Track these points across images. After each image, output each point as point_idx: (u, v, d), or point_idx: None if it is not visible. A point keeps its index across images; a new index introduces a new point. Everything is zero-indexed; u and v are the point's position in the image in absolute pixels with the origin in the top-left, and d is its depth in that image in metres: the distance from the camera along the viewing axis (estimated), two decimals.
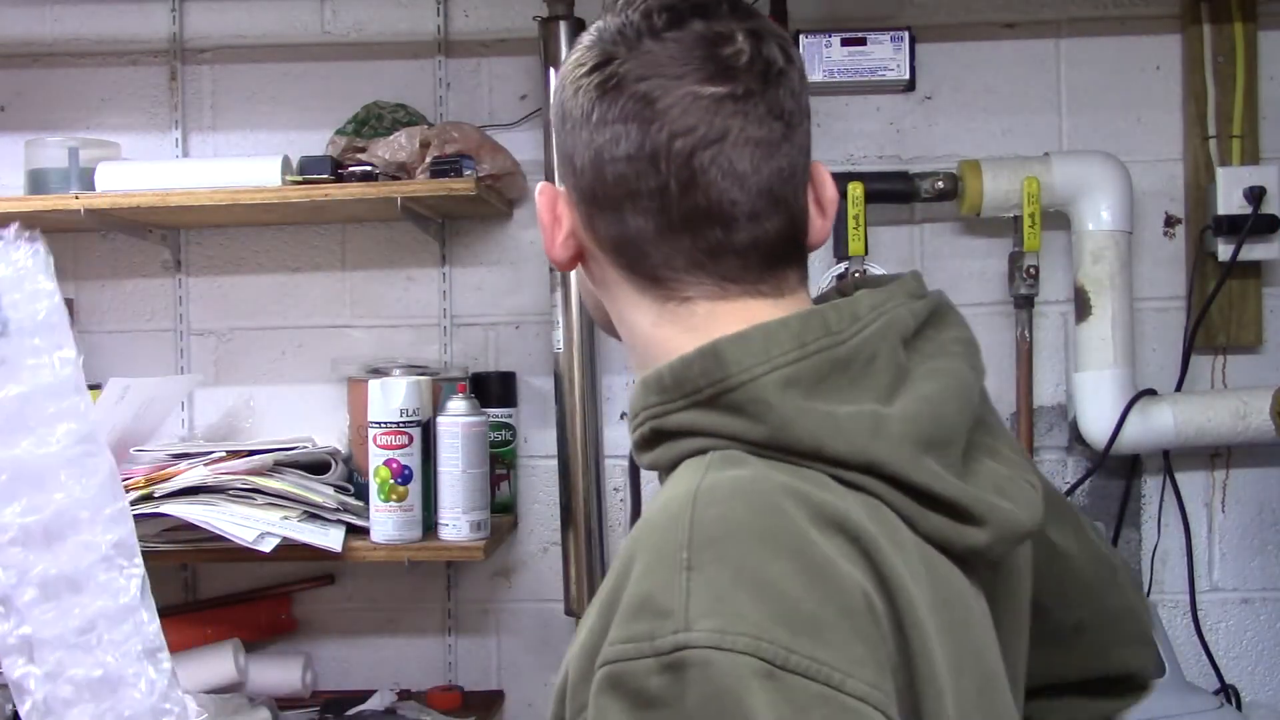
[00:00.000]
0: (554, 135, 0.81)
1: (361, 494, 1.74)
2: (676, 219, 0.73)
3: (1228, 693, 1.88)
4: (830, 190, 0.78)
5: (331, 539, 1.66)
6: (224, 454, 1.70)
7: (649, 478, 0.86)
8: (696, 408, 0.69)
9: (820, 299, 0.78)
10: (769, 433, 0.66)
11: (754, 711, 0.56)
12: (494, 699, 1.96)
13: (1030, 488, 0.74)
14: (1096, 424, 1.84)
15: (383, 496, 1.68)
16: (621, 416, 1.97)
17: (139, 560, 0.73)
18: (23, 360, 0.71)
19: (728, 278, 0.74)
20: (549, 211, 0.79)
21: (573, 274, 1.82)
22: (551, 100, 0.81)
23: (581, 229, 0.78)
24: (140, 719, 0.78)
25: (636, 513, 0.98)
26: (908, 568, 0.65)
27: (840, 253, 1.85)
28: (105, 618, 0.78)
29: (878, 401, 0.69)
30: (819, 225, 0.78)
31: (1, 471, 0.72)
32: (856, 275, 1.81)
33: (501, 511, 1.89)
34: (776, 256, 0.75)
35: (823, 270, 1.88)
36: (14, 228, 0.68)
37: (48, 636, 0.76)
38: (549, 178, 1.83)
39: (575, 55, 0.77)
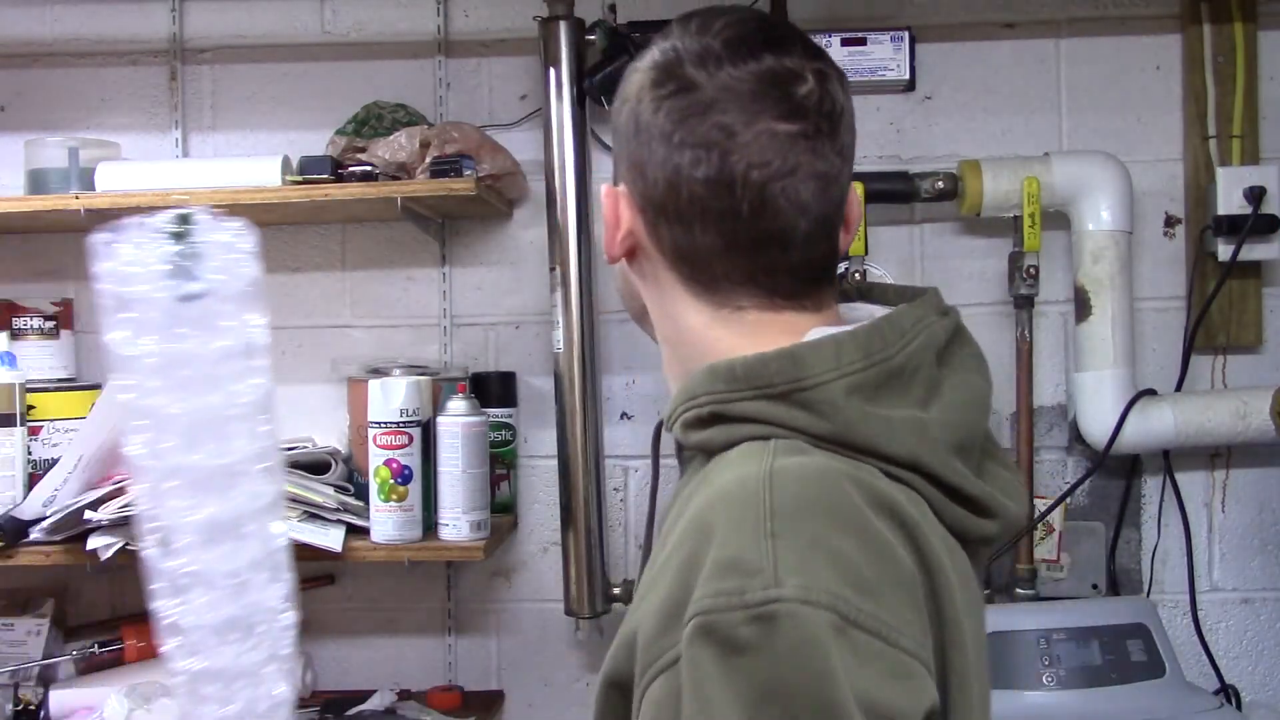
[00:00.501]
0: (622, 140, 0.85)
1: (361, 494, 1.74)
2: (743, 239, 0.81)
3: (1228, 693, 1.88)
4: (857, 209, 0.87)
5: (331, 539, 1.66)
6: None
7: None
8: (766, 400, 0.77)
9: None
10: (834, 430, 0.76)
11: (830, 657, 0.65)
12: (494, 699, 1.97)
13: (1020, 488, 0.86)
14: (1096, 424, 1.84)
15: (383, 496, 1.68)
16: (622, 416, 1.97)
17: (279, 520, 0.87)
18: (218, 322, 0.82)
19: (778, 292, 0.83)
20: (612, 212, 0.86)
21: (572, 273, 1.82)
22: (621, 104, 0.86)
23: (643, 232, 0.85)
24: (266, 666, 0.87)
25: (655, 485, 1.07)
26: (940, 548, 0.75)
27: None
28: (254, 565, 0.86)
29: (918, 407, 0.78)
30: (843, 239, 0.86)
31: (188, 417, 0.82)
32: (856, 276, 1.82)
33: (501, 511, 1.89)
34: (819, 275, 0.84)
35: None
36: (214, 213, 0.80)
37: (204, 575, 0.86)
38: (549, 178, 1.83)
39: (652, 72, 0.83)
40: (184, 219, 0.83)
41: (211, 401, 0.84)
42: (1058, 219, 1.88)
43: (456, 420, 1.71)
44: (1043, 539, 1.90)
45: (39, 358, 1.89)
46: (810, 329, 0.81)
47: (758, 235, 0.80)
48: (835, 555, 0.69)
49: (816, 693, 0.65)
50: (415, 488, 1.69)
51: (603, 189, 0.88)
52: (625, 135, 0.84)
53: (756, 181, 0.79)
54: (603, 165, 1.95)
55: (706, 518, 0.72)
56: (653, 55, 0.84)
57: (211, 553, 0.86)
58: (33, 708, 1.80)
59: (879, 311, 0.86)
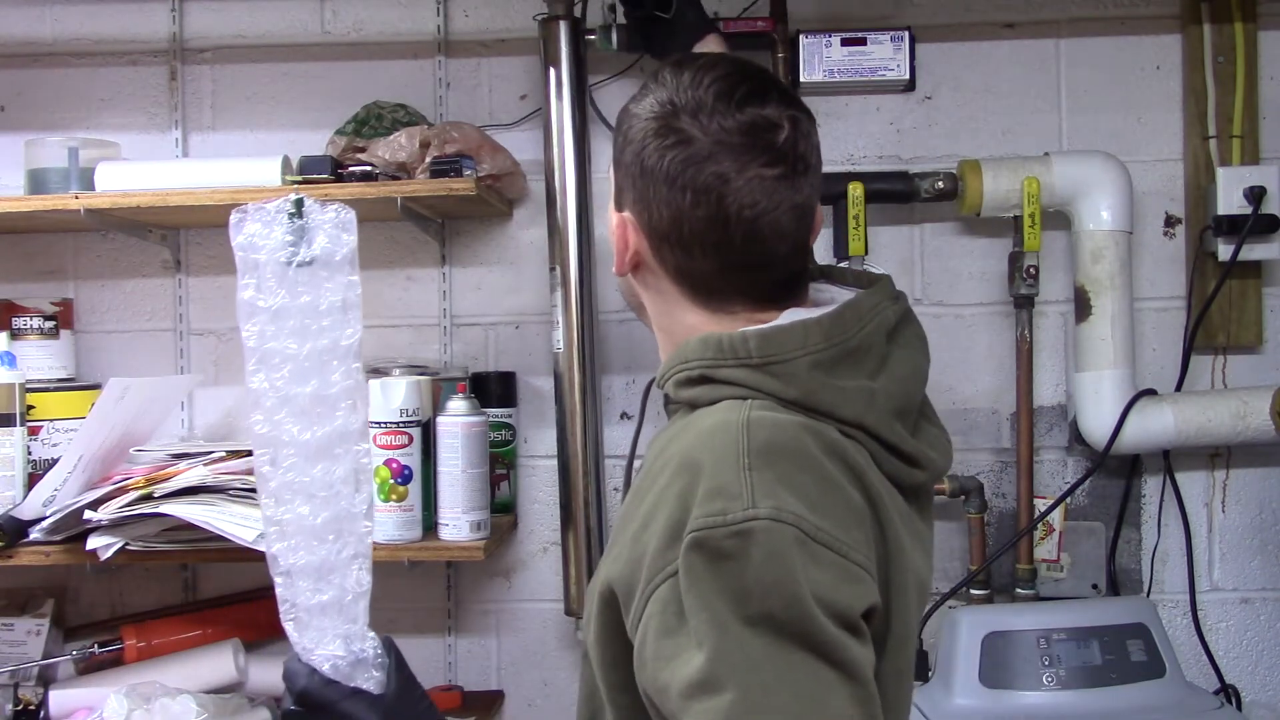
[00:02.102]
0: (628, 176, 1.01)
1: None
2: (735, 263, 0.99)
3: (1228, 693, 1.88)
4: (819, 224, 1.05)
5: None
6: (224, 454, 1.70)
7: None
8: (745, 368, 0.95)
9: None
10: (798, 395, 0.93)
11: (794, 562, 0.83)
12: (494, 699, 1.97)
13: (948, 443, 1.06)
14: (1096, 424, 1.84)
15: (383, 496, 1.68)
16: (622, 416, 1.97)
17: (362, 447, 1.10)
18: (320, 285, 1.06)
19: (764, 298, 1.01)
20: (622, 238, 1.03)
21: (572, 273, 1.82)
22: (625, 145, 1.02)
23: (648, 253, 1.02)
24: (353, 561, 1.06)
25: (638, 430, 1.27)
26: (880, 486, 0.94)
27: (840, 253, 1.85)
28: (343, 479, 1.06)
29: (868, 378, 0.97)
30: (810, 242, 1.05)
31: (300, 358, 1.05)
32: (843, 265, 1.81)
33: (501, 511, 1.89)
34: (794, 283, 1.03)
35: None
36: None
37: (306, 486, 1.05)
38: (549, 178, 1.84)
39: (654, 122, 0.99)
40: (298, 203, 1.07)
41: (318, 345, 1.05)
42: (1058, 219, 1.88)
43: (456, 420, 1.71)
44: (1043, 539, 1.90)
45: (39, 358, 1.89)
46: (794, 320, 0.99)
47: (748, 260, 0.98)
48: (798, 487, 0.87)
49: (784, 589, 0.83)
50: (415, 488, 1.69)
51: (613, 217, 1.04)
52: (632, 173, 1.01)
53: (748, 218, 0.96)
54: (602, 165, 1.95)
55: (695, 456, 0.90)
56: (651, 104, 1.00)
57: (312, 468, 1.04)
58: (33, 708, 1.80)
59: (840, 292, 1.06)
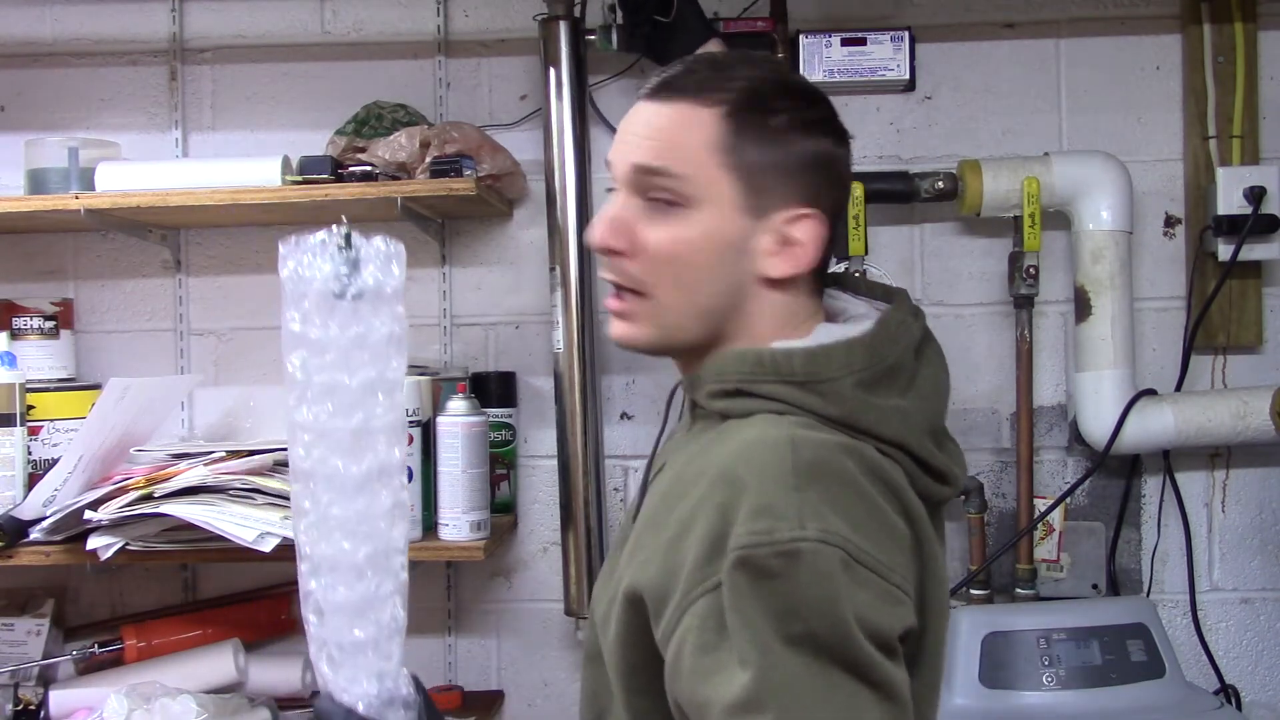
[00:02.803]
0: (807, 171, 1.00)
1: None
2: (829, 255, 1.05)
3: (1228, 693, 1.88)
4: None
5: None
6: (224, 454, 1.70)
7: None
8: (788, 385, 0.95)
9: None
10: (840, 413, 0.94)
11: (838, 584, 0.84)
12: (494, 699, 1.97)
13: (962, 457, 1.06)
14: (1096, 424, 1.84)
15: None
16: (622, 416, 1.97)
17: (400, 482, 1.07)
18: (366, 316, 1.05)
19: (818, 291, 1.06)
20: (819, 236, 1.01)
21: (572, 273, 1.82)
22: (795, 137, 1.01)
23: (822, 250, 1.02)
24: (392, 595, 1.05)
25: (663, 429, 1.20)
26: (918, 505, 0.95)
27: (840, 253, 1.85)
28: (384, 513, 1.06)
29: (900, 396, 0.98)
30: None
31: (331, 397, 1.05)
32: (856, 275, 1.81)
33: (501, 511, 1.89)
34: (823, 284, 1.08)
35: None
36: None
37: (346, 520, 1.05)
38: (549, 178, 1.83)
39: (819, 109, 1.02)
40: (348, 235, 1.06)
41: (365, 378, 1.05)
42: (1058, 219, 1.88)
43: (456, 420, 1.71)
44: (1043, 539, 1.90)
45: (39, 358, 1.89)
46: (817, 318, 1.04)
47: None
48: (842, 508, 0.87)
49: (827, 609, 0.83)
50: (415, 488, 1.69)
51: (802, 218, 1.00)
52: (810, 166, 1.00)
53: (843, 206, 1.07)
54: (602, 165, 1.95)
55: (737, 470, 0.90)
56: (810, 97, 1.03)
57: (354, 503, 1.04)
58: (33, 708, 1.80)
59: (853, 302, 1.07)
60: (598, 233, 1.02)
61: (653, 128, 1.00)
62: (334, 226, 1.05)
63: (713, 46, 1.70)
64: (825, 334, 0.99)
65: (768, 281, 1.01)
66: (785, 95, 1.01)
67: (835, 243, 1.05)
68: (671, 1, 1.70)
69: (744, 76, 1.00)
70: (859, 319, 1.03)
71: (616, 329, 1.06)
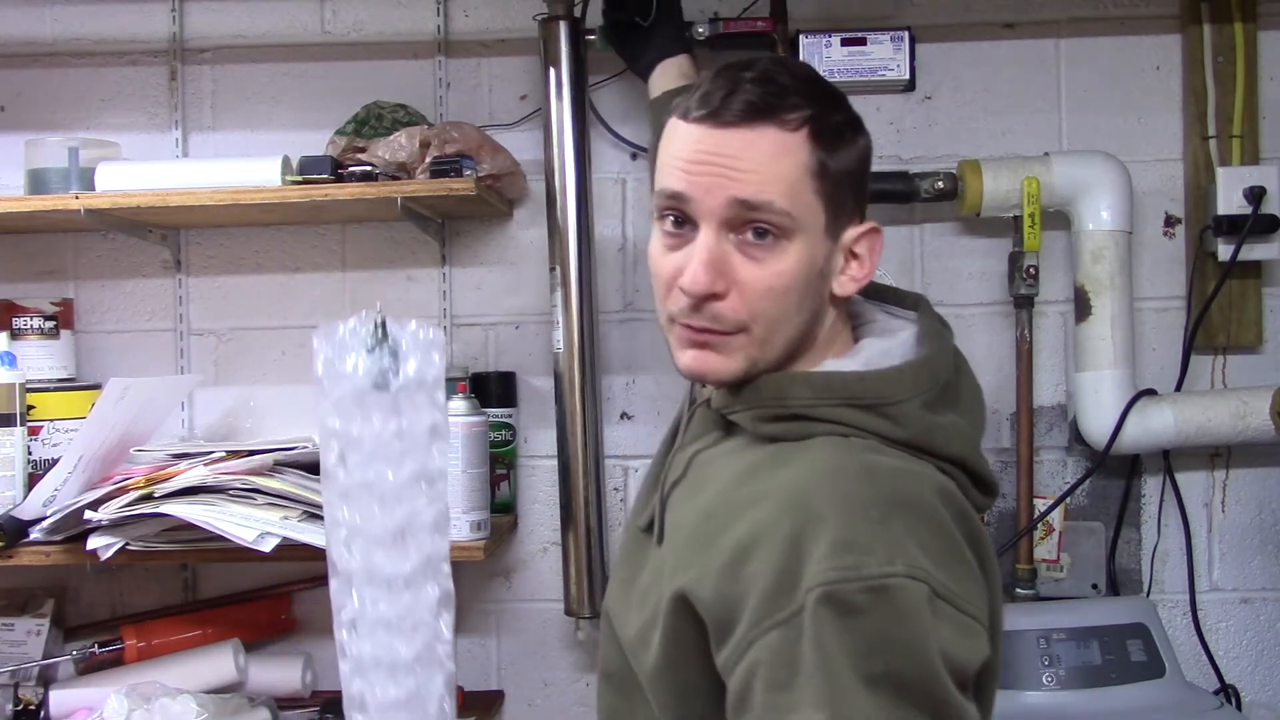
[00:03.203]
0: (863, 187, 1.02)
1: None
2: None
3: (1228, 693, 1.88)
4: None
5: None
6: (224, 454, 1.70)
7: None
8: (855, 409, 0.94)
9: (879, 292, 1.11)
10: (908, 435, 0.94)
11: (925, 622, 0.83)
12: (494, 699, 1.97)
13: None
14: (1096, 424, 1.84)
15: None
16: (622, 416, 1.97)
17: (447, 569, 1.12)
18: (404, 408, 1.02)
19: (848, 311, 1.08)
20: (875, 253, 1.03)
21: (572, 273, 1.81)
22: (844, 156, 1.00)
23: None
24: (420, 614, 1.06)
25: (679, 425, 1.16)
26: (980, 526, 0.94)
27: None
28: (427, 608, 1.09)
29: (952, 409, 0.98)
30: None
31: (374, 495, 1.03)
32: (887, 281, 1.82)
33: (501, 511, 1.89)
34: None
35: None
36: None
37: (389, 619, 1.06)
38: (549, 178, 1.83)
39: (853, 121, 1.02)
40: (383, 323, 1.03)
41: (407, 472, 1.03)
42: (1058, 219, 1.88)
43: (456, 420, 1.71)
44: (1043, 539, 1.90)
45: (39, 358, 1.89)
46: (847, 327, 1.04)
47: None
48: (922, 539, 0.86)
49: (915, 647, 0.82)
50: None
51: (866, 234, 1.01)
52: (865, 172, 1.02)
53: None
54: (602, 165, 1.96)
55: (810, 500, 0.88)
56: (842, 96, 1.02)
57: (400, 599, 1.05)
58: (33, 708, 1.80)
59: (866, 306, 1.08)
60: (700, 280, 0.96)
61: (748, 158, 0.95)
62: (364, 312, 1.02)
63: (683, 64, 1.68)
64: (875, 351, 0.99)
65: (830, 298, 1.02)
66: (838, 100, 1.01)
67: None
68: (650, 4, 1.70)
69: (803, 90, 0.98)
70: (891, 330, 1.03)
71: (700, 362, 1.00)
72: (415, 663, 1.02)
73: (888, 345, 0.99)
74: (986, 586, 0.92)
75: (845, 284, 1.01)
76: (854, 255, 1.01)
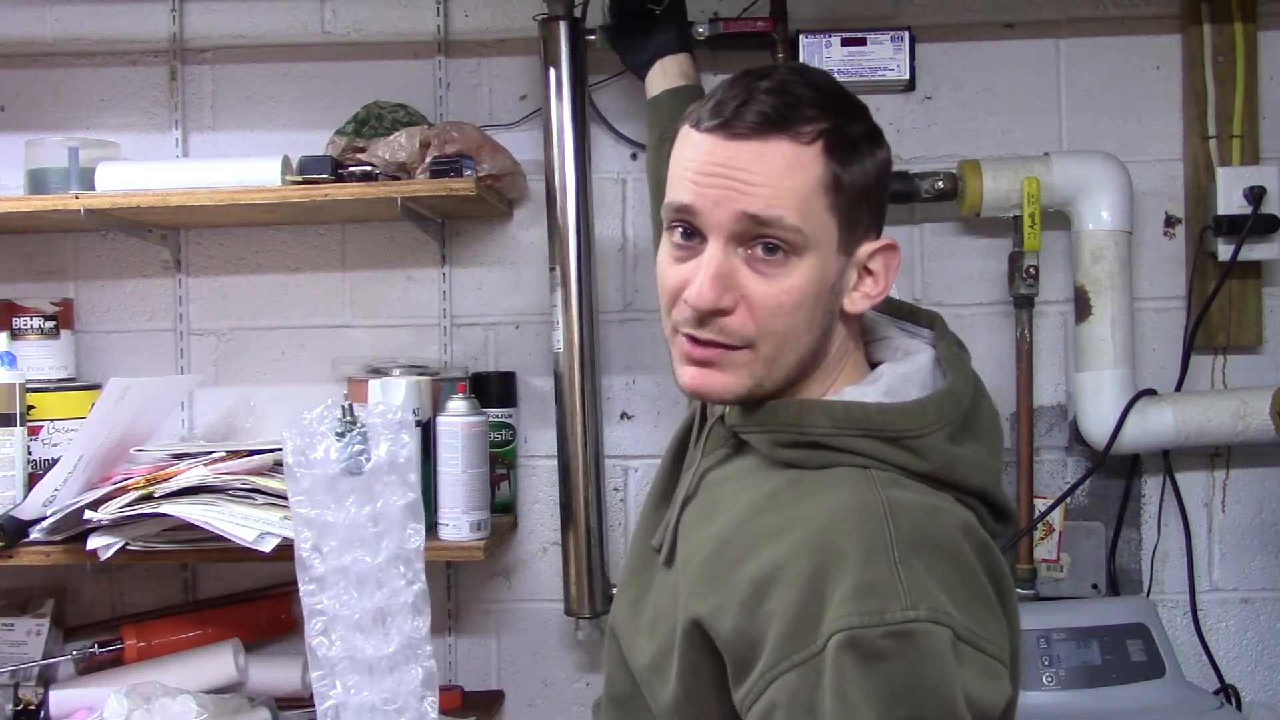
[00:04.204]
0: (879, 203, 1.00)
1: None
2: None
3: (1228, 693, 1.88)
4: None
5: None
6: (224, 454, 1.70)
7: None
8: (874, 440, 0.92)
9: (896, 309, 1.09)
10: (931, 469, 0.92)
11: (950, 664, 0.81)
12: (494, 699, 1.97)
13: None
14: (1096, 424, 1.84)
15: None
16: (622, 416, 1.97)
17: (429, 649, 1.10)
18: (376, 489, 1.03)
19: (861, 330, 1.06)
20: (892, 270, 1.00)
21: (572, 273, 1.81)
22: (872, 167, 0.99)
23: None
24: (404, 697, 1.06)
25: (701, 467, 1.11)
26: (1001, 560, 0.92)
27: None
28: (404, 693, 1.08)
29: (974, 438, 0.96)
30: None
31: (352, 580, 1.04)
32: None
33: (501, 511, 1.89)
34: None
35: None
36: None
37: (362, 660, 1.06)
38: (549, 178, 1.83)
39: (874, 132, 1.00)
40: (349, 408, 1.05)
41: (384, 554, 1.04)
42: (1058, 219, 1.88)
43: (456, 420, 1.71)
44: (1043, 539, 1.90)
45: (39, 358, 1.89)
46: (861, 350, 1.03)
47: None
48: (944, 580, 0.84)
49: (939, 692, 0.81)
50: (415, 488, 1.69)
51: (882, 250, 1.00)
52: (883, 186, 1.00)
53: None
54: (602, 165, 1.96)
55: (831, 539, 0.86)
56: (862, 105, 1.01)
57: (382, 683, 1.06)
58: (33, 708, 1.80)
59: (881, 323, 1.05)
60: (706, 295, 0.93)
61: (758, 172, 0.92)
62: (330, 400, 1.04)
63: (683, 63, 1.68)
64: (896, 379, 0.96)
65: (841, 315, 0.99)
66: (858, 112, 0.99)
67: None
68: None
69: (820, 101, 0.95)
70: (908, 352, 1.00)
71: (702, 380, 0.97)
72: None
73: (907, 371, 0.97)
74: (1008, 620, 0.90)
75: (858, 301, 0.98)
76: (868, 272, 0.98)
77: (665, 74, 1.67)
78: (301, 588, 1.00)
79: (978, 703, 0.82)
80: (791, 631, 0.84)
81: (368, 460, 1.03)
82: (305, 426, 1.01)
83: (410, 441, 1.04)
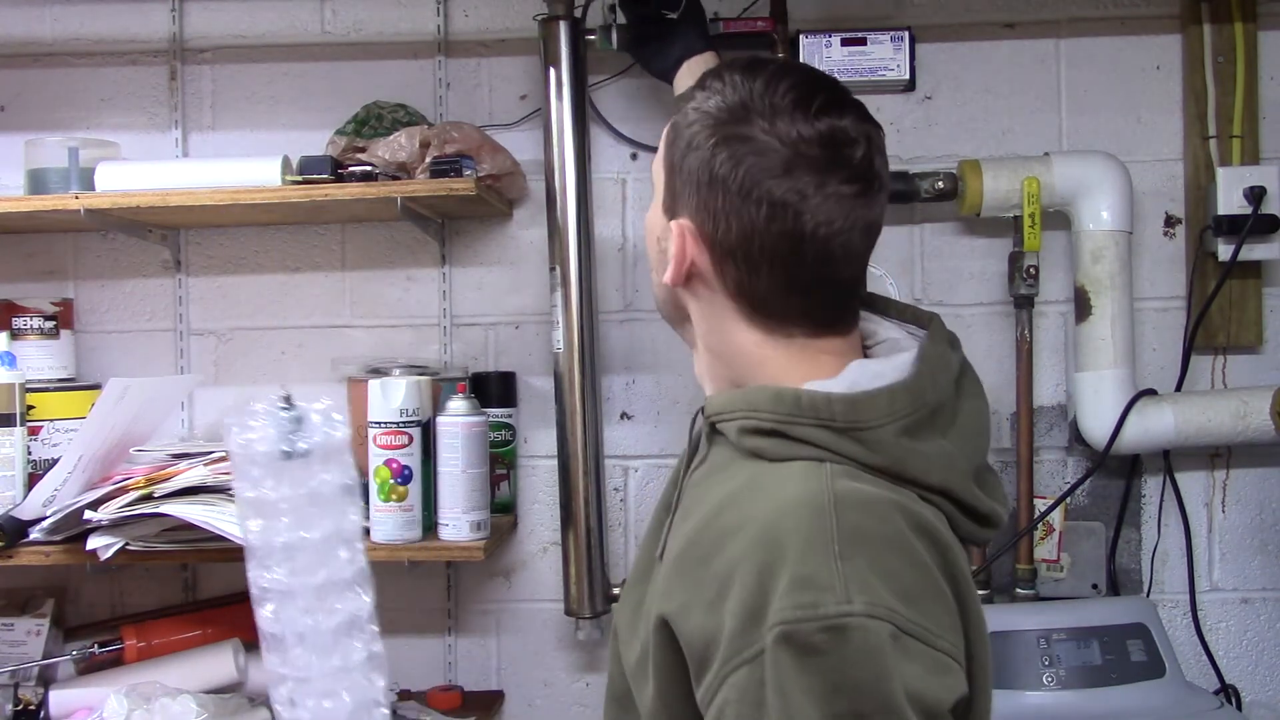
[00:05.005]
0: (690, 184, 0.95)
1: (361, 494, 1.74)
2: (802, 283, 0.94)
3: (1228, 693, 1.88)
4: None
5: None
6: (224, 454, 1.70)
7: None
8: (827, 430, 0.90)
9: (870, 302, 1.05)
10: (884, 462, 0.90)
11: (887, 659, 0.80)
12: (494, 699, 1.97)
13: (1002, 489, 1.01)
14: (1096, 424, 1.84)
15: (383, 496, 1.68)
16: (622, 416, 1.97)
17: (374, 629, 1.14)
18: (317, 472, 1.09)
19: (822, 322, 0.97)
20: (682, 249, 0.96)
21: (572, 273, 1.82)
22: (686, 150, 0.96)
23: (707, 266, 0.96)
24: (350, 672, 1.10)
25: (689, 460, 1.12)
26: (961, 559, 0.90)
27: None
28: (363, 706, 1.13)
29: (941, 435, 0.93)
30: None
31: (294, 555, 1.09)
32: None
33: (501, 511, 1.89)
34: (851, 306, 0.99)
35: None
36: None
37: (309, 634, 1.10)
38: (549, 178, 1.83)
39: (724, 126, 0.93)
40: (288, 397, 1.11)
41: (324, 532, 1.08)
42: (1058, 219, 1.88)
43: (456, 420, 1.71)
44: (1043, 539, 1.90)
45: (39, 358, 1.89)
46: (845, 356, 0.97)
47: (814, 280, 0.94)
48: (888, 575, 0.83)
49: (876, 687, 0.80)
50: (415, 488, 1.69)
51: (661, 223, 0.99)
52: (696, 180, 0.95)
53: (822, 237, 0.91)
54: (602, 165, 1.96)
55: (776, 534, 0.85)
56: (719, 106, 0.94)
57: (329, 660, 1.09)
58: (33, 708, 1.80)
59: (886, 326, 1.02)
60: None
61: None
62: (272, 395, 1.12)
63: (706, 61, 1.67)
64: (865, 374, 0.94)
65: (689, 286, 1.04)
66: (712, 99, 0.99)
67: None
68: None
69: (717, 81, 0.99)
70: (891, 347, 0.99)
71: None
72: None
73: (880, 369, 0.94)
74: (965, 623, 0.88)
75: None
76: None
77: (693, 74, 1.66)
78: (249, 571, 1.10)
79: (923, 698, 0.81)
80: (741, 629, 0.84)
81: (301, 443, 1.11)
82: (246, 414, 1.14)
83: (344, 424, 1.13)
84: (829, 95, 0.93)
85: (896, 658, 0.80)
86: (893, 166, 1.89)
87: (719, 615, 0.86)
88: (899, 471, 0.90)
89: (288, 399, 1.10)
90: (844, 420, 0.90)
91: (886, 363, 0.95)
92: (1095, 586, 1.91)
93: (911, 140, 1.94)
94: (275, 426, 1.09)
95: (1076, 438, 1.91)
